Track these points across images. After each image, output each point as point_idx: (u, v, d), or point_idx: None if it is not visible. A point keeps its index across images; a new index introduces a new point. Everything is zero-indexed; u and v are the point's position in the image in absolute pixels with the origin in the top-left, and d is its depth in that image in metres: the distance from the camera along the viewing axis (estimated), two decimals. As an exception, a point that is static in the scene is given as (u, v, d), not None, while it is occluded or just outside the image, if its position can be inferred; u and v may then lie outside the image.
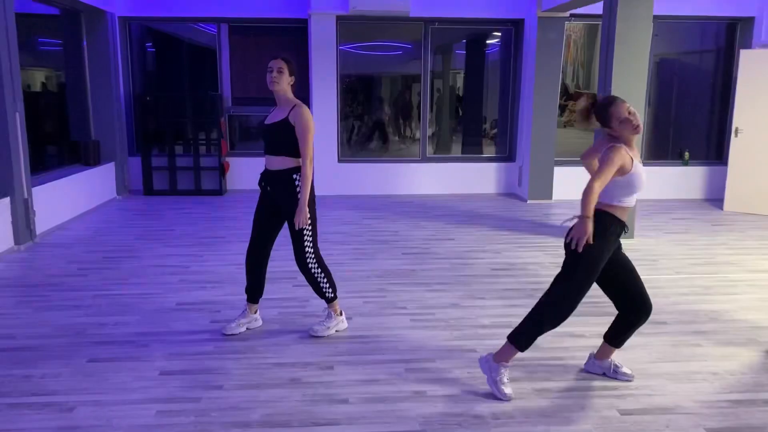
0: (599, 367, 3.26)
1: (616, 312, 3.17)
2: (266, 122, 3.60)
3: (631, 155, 2.86)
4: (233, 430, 2.73)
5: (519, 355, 3.08)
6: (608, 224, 2.90)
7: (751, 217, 7.21)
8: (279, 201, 3.57)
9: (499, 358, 3.06)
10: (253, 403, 2.96)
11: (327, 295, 3.72)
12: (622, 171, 2.85)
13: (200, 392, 3.05)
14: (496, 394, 3.01)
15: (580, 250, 2.81)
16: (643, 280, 3.07)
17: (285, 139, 3.47)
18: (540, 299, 3.01)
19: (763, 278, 4.92)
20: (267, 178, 3.58)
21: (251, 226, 3.72)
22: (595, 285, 3.01)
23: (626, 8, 5.65)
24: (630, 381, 3.19)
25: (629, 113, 2.86)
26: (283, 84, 3.49)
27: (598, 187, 2.78)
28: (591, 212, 2.79)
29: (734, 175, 7.54)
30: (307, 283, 3.88)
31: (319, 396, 3.03)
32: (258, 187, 3.68)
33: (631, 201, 2.94)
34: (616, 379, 3.20)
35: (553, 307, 2.95)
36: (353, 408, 2.93)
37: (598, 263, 2.91)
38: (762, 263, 5.33)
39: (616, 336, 3.17)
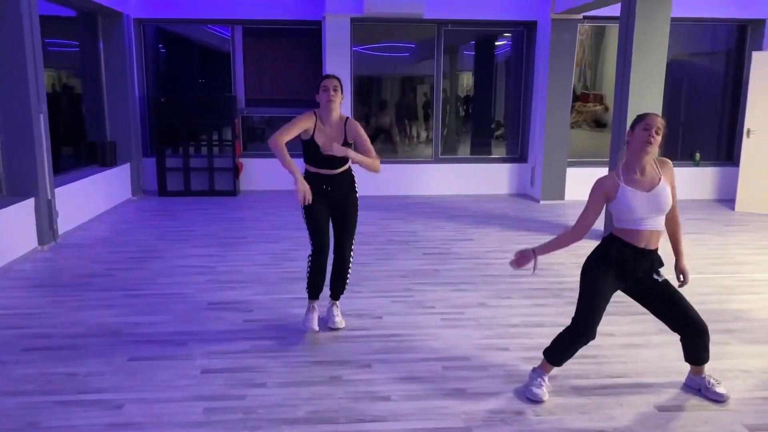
0: (695, 381, 3.15)
1: (645, 311, 3.19)
2: (324, 151, 3.53)
3: (620, 181, 2.87)
4: (282, 426, 2.78)
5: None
6: (611, 245, 2.95)
7: (763, 217, 7.28)
8: (341, 196, 3.74)
9: (540, 367, 3.14)
10: (297, 400, 3.01)
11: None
12: (608, 199, 2.91)
13: (244, 390, 3.10)
14: (525, 393, 3.07)
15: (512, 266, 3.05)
16: (687, 300, 3.00)
17: (344, 158, 3.66)
18: None
19: (784, 278, 4.99)
20: (327, 180, 3.68)
21: (315, 230, 3.69)
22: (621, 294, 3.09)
23: (645, 9, 5.70)
24: (723, 402, 3.01)
25: (656, 128, 2.81)
26: (338, 101, 3.63)
27: (571, 236, 2.95)
28: (542, 253, 3.00)
29: (746, 176, 7.61)
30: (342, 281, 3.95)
31: (361, 393, 3.09)
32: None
33: (634, 224, 2.88)
34: (707, 398, 3.05)
35: (572, 325, 2.98)
36: (396, 405, 2.98)
37: (597, 281, 2.93)
38: (780, 263, 5.41)
39: (689, 356, 3.10)
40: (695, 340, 3.02)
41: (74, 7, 7.29)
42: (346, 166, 3.73)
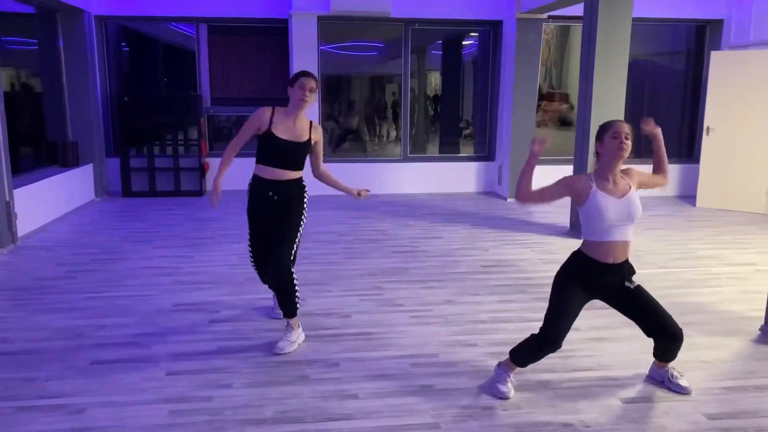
0: (659, 373, 3.19)
1: (609, 307, 3.22)
2: (284, 137, 3.51)
3: (592, 183, 2.84)
4: (249, 427, 2.75)
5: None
6: (576, 258, 2.96)
7: (723, 212, 7.47)
8: (287, 205, 3.57)
9: (505, 364, 3.13)
10: (264, 400, 2.99)
11: (297, 306, 3.57)
12: (577, 199, 2.85)
13: (210, 391, 3.06)
14: (491, 391, 3.06)
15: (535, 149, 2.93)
16: (662, 306, 2.99)
17: (304, 157, 3.63)
18: None
19: (743, 271, 5.12)
20: (275, 186, 3.56)
21: (253, 238, 3.71)
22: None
23: (607, 9, 5.80)
24: (687, 394, 3.06)
25: (625, 134, 2.82)
26: (311, 103, 3.55)
27: (524, 186, 2.89)
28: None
29: (706, 173, 7.79)
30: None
31: (329, 392, 3.07)
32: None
33: (603, 236, 2.85)
34: (670, 389, 3.11)
35: (540, 335, 2.96)
36: (364, 403, 2.97)
37: (563, 294, 2.92)
38: (740, 257, 5.55)
39: (659, 355, 3.13)
40: (669, 344, 3.03)
41: (33, 3, 7.10)
42: (300, 173, 3.63)
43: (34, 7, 7.28)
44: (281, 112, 3.55)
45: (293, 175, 3.60)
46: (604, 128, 2.90)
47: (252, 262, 3.83)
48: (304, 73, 3.52)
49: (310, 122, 3.65)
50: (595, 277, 2.92)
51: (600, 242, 2.88)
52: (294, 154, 3.56)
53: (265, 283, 3.94)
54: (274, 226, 3.59)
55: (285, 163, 3.55)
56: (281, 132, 3.51)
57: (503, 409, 2.94)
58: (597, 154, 2.93)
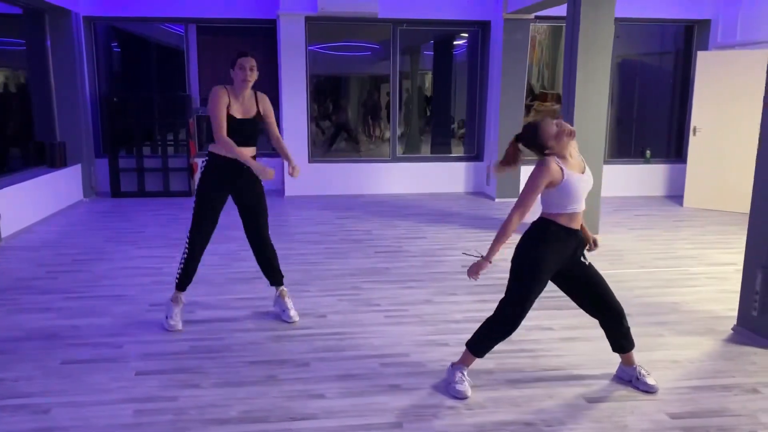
0: (627, 372, 3.20)
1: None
2: (239, 116, 3.66)
3: (561, 166, 2.83)
4: (211, 427, 2.76)
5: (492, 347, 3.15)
6: (548, 228, 2.90)
7: (709, 212, 7.47)
8: (252, 182, 3.77)
9: (460, 362, 3.12)
10: (230, 400, 3.00)
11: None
12: (551, 184, 2.83)
13: (177, 391, 3.07)
14: (451, 394, 3.05)
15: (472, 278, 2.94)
16: (608, 284, 3.06)
17: (258, 131, 3.76)
18: (496, 308, 3.04)
19: (722, 271, 5.13)
20: (238, 165, 3.66)
21: (205, 216, 3.76)
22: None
23: (589, 10, 5.81)
24: (653, 393, 3.08)
25: (557, 124, 2.83)
26: (253, 80, 3.67)
27: (518, 218, 2.87)
28: (494, 254, 2.92)
29: (693, 173, 7.80)
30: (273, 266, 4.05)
31: (296, 392, 3.08)
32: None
33: (573, 207, 2.89)
34: (637, 388, 3.12)
35: (502, 316, 2.98)
36: (330, 402, 2.98)
37: (540, 268, 2.89)
38: (720, 257, 5.55)
39: (613, 344, 3.16)
40: (613, 324, 3.09)
41: (19, 4, 7.12)
42: (255, 150, 3.75)
43: (21, 7, 7.30)
44: (232, 92, 3.66)
45: (251, 152, 3.72)
46: (559, 133, 2.83)
47: (191, 248, 3.78)
48: (242, 54, 3.64)
49: (255, 93, 3.76)
50: (563, 243, 2.91)
51: (572, 213, 2.90)
52: (250, 130, 3.71)
53: (194, 264, 3.87)
54: (248, 206, 3.83)
55: (243, 140, 3.66)
56: (236, 111, 3.66)
57: (467, 408, 2.95)
58: (548, 149, 2.87)
